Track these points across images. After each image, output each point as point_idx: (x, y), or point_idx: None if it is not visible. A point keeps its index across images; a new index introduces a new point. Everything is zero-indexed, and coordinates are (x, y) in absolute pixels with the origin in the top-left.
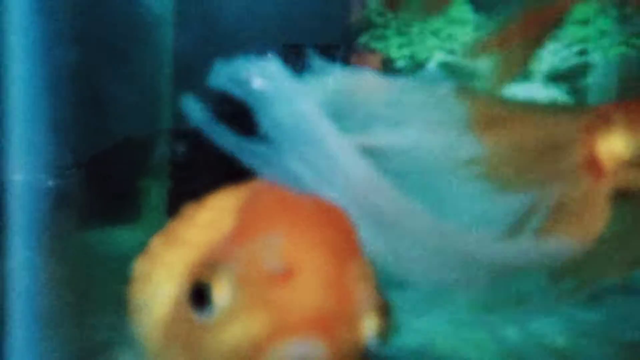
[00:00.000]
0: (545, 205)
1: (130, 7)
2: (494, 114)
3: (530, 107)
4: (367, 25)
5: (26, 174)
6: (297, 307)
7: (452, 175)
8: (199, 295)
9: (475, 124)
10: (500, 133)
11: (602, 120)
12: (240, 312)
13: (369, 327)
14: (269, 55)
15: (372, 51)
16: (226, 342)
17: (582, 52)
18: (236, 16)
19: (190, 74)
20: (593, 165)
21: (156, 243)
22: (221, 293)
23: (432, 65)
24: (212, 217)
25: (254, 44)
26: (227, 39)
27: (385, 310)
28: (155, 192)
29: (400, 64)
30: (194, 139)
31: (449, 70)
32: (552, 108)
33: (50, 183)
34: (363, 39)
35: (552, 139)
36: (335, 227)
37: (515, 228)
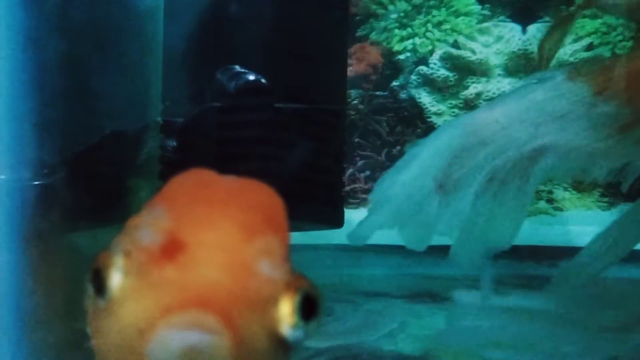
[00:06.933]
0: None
1: None
2: (615, 74)
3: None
4: (367, 17)
5: (10, 173)
6: (185, 285)
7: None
8: (97, 279)
9: (609, 90)
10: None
11: None
12: (129, 293)
13: (284, 313)
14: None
15: (373, 44)
16: (116, 327)
17: (590, 47)
18: (228, 8)
19: (180, 67)
20: None
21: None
22: (112, 274)
23: (435, 58)
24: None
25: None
26: (220, 32)
27: (308, 294)
28: (145, 191)
29: (402, 57)
30: (184, 134)
31: (452, 63)
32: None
33: (35, 182)
34: (363, 31)
35: None
36: (249, 205)
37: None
